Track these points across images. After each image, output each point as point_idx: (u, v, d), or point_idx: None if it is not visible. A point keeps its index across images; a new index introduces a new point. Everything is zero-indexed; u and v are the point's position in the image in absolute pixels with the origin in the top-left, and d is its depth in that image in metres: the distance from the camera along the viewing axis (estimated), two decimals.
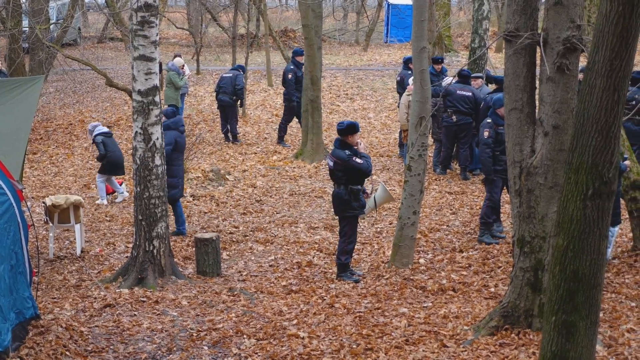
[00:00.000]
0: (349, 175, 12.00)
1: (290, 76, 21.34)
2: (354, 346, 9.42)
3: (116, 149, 16.99)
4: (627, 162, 12.44)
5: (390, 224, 14.92)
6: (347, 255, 12.22)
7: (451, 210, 15.83)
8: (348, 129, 12.04)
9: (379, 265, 12.74)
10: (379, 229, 14.80)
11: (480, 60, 21.77)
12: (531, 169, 9.42)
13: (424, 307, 10.82)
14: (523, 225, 9.56)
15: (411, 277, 12.06)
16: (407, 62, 20.79)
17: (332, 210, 15.93)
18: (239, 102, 22.83)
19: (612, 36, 6.69)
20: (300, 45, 34.43)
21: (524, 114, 9.53)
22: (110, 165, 16.82)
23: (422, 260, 12.93)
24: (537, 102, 9.53)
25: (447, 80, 18.87)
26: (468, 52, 27.73)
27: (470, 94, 17.67)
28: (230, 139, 22.25)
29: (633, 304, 10.86)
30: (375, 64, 36.00)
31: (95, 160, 17.26)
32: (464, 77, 17.98)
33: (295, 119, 21.99)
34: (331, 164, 12.11)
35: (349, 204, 12.06)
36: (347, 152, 11.94)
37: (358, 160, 11.91)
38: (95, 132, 16.96)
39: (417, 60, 12.57)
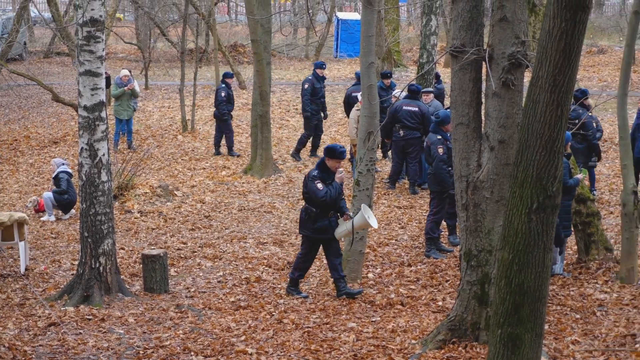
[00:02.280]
0: (308, 195, 11.93)
1: (306, 86, 21.34)
2: None
3: (74, 192, 16.97)
4: (579, 176, 12.60)
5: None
6: (300, 272, 12.16)
7: (400, 224, 15.89)
8: (328, 151, 11.95)
9: (328, 280, 12.73)
10: None
11: (428, 75, 21.92)
12: (478, 183, 9.49)
13: (372, 321, 10.84)
14: (470, 239, 9.62)
15: (360, 292, 12.06)
16: (384, 76, 21.00)
17: (282, 225, 15.98)
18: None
19: (555, 52, 6.78)
20: (249, 60, 34.41)
21: (470, 128, 9.61)
22: (65, 204, 16.94)
23: (370, 275, 12.96)
24: (483, 117, 9.62)
25: (396, 92, 18.95)
26: (417, 67, 27.92)
27: (416, 109, 17.79)
28: (221, 152, 22.29)
29: (578, 316, 10.98)
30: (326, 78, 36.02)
31: (52, 189, 17.16)
32: (412, 92, 18.10)
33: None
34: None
35: (303, 223, 12.03)
36: (316, 172, 11.87)
37: (319, 185, 11.74)
38: (61, 169, 17.14)
39: (365, 75, 12.62)
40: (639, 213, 12.46)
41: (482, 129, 9.58)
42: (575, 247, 13.16)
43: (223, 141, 22.36)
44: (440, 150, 13.95)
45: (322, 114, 21.51)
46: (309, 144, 21.86)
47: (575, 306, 11.36)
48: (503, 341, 7.14)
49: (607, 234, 13.87)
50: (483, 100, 9.62)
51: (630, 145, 13.01)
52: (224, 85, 22.34)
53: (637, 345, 9.74)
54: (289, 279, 12.33)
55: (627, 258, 12.37)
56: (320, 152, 21.66)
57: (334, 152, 11.89)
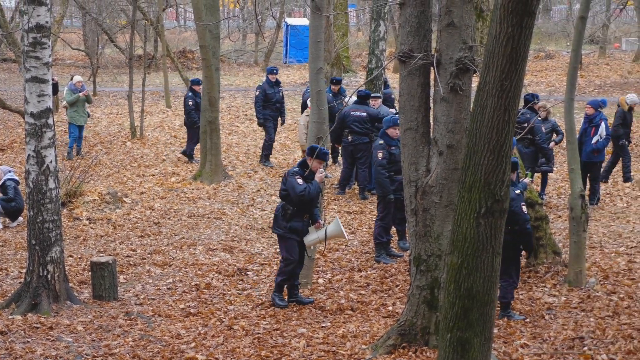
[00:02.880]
0: (288, 194, 11.79)
1: (257, 93, 21.20)
2: None
3: (21, 199, 16.76)
4: (526, 180, 12.70)
5: None
6: (284, 276, 11.89)
7: (350, 229, 15.91)
8: (311, 149, 11.81)
9: None
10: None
11: (377, 81, 21.96)
12: (426, 188, 9.53)
13: (322, 327, 10.84)
14: (419, 243, 9.66)
15: (309, 297, 12.05)
16: (334, 82, 21.00)
17: (231, 231, 15.91)
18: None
19: (502, 57, 6.83)
20: (198, 66, 34.27)
21: (419, 133, 9.65)
22: (12, 212, 16.74)
23: (320, 280, 12.96)
24: (431, 122, 9.66)
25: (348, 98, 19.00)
26: (366, 73, 28.01)
27: (364, 114, 17.83)
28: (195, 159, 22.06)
29: (527, 320, 11.07)
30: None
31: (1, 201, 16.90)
32: (361, 98, 18.16)
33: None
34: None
35: (277, 220, 11.95)
36: (297, 169, 11.84)
37: (299, 180, 11.65)
38: (8, 177, 16.95)
39: (314, 81, 12.61)
40: (587, 217, 12.61)
41: (431, 134, 9.63)
42: (524, 251, 13.25)
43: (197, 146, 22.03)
44: (380, 155, 14.03)
45: (279, 120, 21.48)
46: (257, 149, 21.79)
47: (524, 310, 11.45)
48: (452, 345, 7.18)
49: (556, 237, 14.02)
50: (432, 105, 9.66)
51: (578, 149, 13.17)
52: (190, 94, 21.99)
53: (585, 349, 9.86)
54: (276, 284, 12.04)
55: (575, 261, 12.51)
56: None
57: (318, 152, 11.74)
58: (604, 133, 17.42)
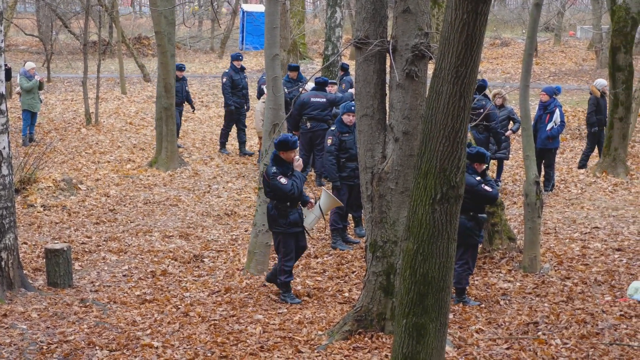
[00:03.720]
0: (273, 192, 11.44)
1: (225, 80, 21.01)
2: (209, 354, 9.35)
3: None
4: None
5: (245, 231, 14.89)
6: (287, 274, 11.48)
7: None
8: (279, 144, 11.38)
9: (235, 273, 12.68)
10: (234, 236, 14.74)
11: (333, 67, 21.98)
12: (382, 175, 9.54)
13: (279, 313, 10.83)
14: (375, 230, 9.68)
15: (266, 284, 12.04)
16: (291, 69, 20.91)
17: (187, 218, 15.85)
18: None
19: (458, 43, 6.83)
20: (153, 53, 34.05)
21: (374, 120, 9.65)
22: None
23: None
24: (387, 109, 9.67)
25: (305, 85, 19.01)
26: (322, 59, 27.99)
27: (324, 100, 17.83)
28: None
29: (482, 305, 11.15)
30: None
31: None
32: (319, 84, 18.15)
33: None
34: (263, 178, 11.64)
35: (275, 220, 11.47)
36: (275, 169, 11.32)
37: (283, 180, 11.26)
38: None
39: (269, 67, 12.57)
40: (541, 203, 12.72)
41: (387, 121, 9.64)
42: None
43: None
44: (329, 141, 14.04)
45: (245, 107, 21.38)
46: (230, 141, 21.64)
47: (479, 295, 11.54)
48: (408, 331, 7.20)
49: (511, 223, 14.13)
50: (387, 91, 9.67)
51: (533, 136, 13.26)
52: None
53: (540, 333, 9.95)
54: (278, 286, 11.61)
55: (529, 247, 12.62)
56: (249, 148, 21.57)
57: (287, 144, 11.39)
58: (559, 120, 17.55)
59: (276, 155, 11.43)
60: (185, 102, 22.05)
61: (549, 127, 17.47)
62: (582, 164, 19.84)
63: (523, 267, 12.60)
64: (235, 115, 21.03)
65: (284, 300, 11.41)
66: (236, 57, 21.31)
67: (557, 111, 17.58)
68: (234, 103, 20.90)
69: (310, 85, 18.91)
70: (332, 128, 14.23)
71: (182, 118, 23.00)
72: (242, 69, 21.21)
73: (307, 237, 11.89)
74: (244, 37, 45.00)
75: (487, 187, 11.33)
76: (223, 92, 21.23)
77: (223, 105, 21.72)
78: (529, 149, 12.82)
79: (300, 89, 18.75)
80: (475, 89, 16.33)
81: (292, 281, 11.65)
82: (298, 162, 11.59)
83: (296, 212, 11.51)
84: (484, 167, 11.51)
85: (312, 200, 11.90)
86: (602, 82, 20.32)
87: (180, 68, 21.74)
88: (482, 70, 32.89)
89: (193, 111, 23.12)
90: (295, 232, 11.51)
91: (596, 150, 20.37)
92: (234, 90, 20.91)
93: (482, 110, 16.98)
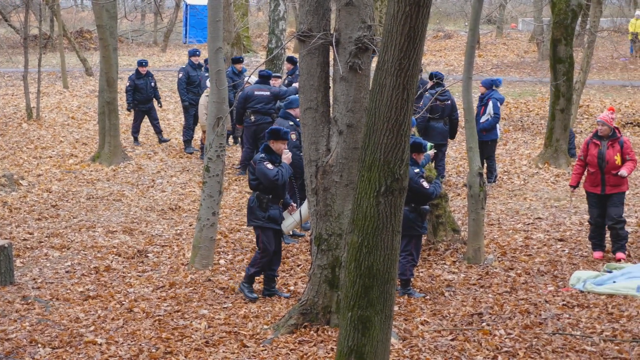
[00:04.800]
0: (258, 181, 11.24)
1: (181, 75, 20.73)
2: (153, 350, 9.27)
3: None
4: (430, 152, 12.77)
5: (190, 225, 14.78)
6: (257, 267, 11.28)
7: None
8: (270, 133, 11.32)
9: (179, 268, 12.59)
10: (178, 231, 14.63)
11: (277, 60, 21.94)
12: (327, 168, 9.53)
13: (224, 307, 10.78)
14: (320, 223, 9.67)
15: (211, 279, 11.98)
16: (235, 61, 20.78)
17: (131, 213, 15.70)
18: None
19: (400, 36, 6.82)
20: (96, 47, 33.69)
21: (318, 113, 9.63)
22: None
23: (222, 261, 12.88)
24: (331, 101, 9.66)
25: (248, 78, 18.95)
26: (266, 52, 27.90)
27: (268, 93, 17.78)
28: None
29: (427, 297, 11.20)
30: (175, 64, 35.69)
31: None
32: (263, 77, 18.10)
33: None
34: (251, 168, 11.48)
35: (253, 212, 11.28)
36: (263, 154, 11.22)
37: (269, 166, 11.09)
38: None
39: (213, 60, 12.50)
40: (485, 195, 12.81)
41: (331, 113, 9.63)
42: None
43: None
44: (294, 137, 13.92)
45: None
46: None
47: (424, 287, 11.58)
48: (353, 323, 7.19)
49: (455, 215, 14.21)
50: (331, 84, 9.66)
51: (476, 128, 13.35)
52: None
53: (484, 324, 10.01)
54: (245, 275, 11.45)
55: (473, 239, 12.70)
56: (174, 139, 21.43)
57: (279, 134, 11.30)
58: (492, 112, 17.67)
59: (267, 145, 11.32)
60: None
61: (483, 119, 17.59)
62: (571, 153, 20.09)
63: (467, 259, 12.68)
64: (190, 112, 20.72)
65: (242, 290, 11.27)
66: (193, 53, 21.04)
67: (491, 103, 17.68)
68: (189, 99, 20.63)
69: (254, 78, 18.86)
70: (291, 123, 14.15)
71: (127, 113, 22.75)
72: (200, 65, 20.91)
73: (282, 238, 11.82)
74: (188, 31, 44.72)
75: (424, 183, 11.37)
76: (178, 88, 20.96)
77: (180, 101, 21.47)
78: (472, 141, 12.90)
79: (246, 84, 18.68)
80: (435, 83, 16.29)
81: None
82: (287, 155, 11.41)
83: (277, 209, 11.36)
84: (423, 157, 11.57)
85: (294, 205, 11.83)
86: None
87: (142, 64, 21.49)
88: (426, 62, 33.07)
89: (160, 106, 22.70)
90: (272, 228, 11.33)
91: (539, 141, 20.56)
92: (190, 87, 20.64)
93: (449, 102, 17.19)
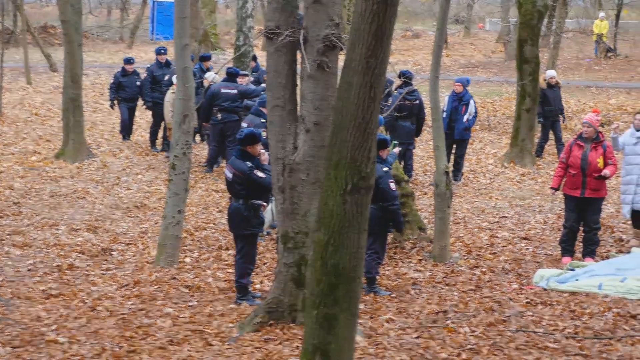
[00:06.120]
0: (248, 190, 11.02)
1: (145, 75, 20.48)
2: (117, 349, 9.16)
3: None
4: (395, 150, 12.78)
5: (155, 223, 14.68)
6: (249, 276, 11.10)
7: (218, 208, 15.78)
8: (247, 139, 11.00)
9: (144, 266, 12.50)
10: (144, 229, 14.53)
11: (244, 58, 21.88)
12: (294, 166, 9.50)
13: (189, 306, 10.70)
14: (287, 221, 9.64)
15: (176, 277, 11.91)
16: (203, 59, 20.64)
17: (96, 211, 15.56)
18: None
19: (368, 34, 6.80)
20: (60, 42, 33.38)
21: (285, 111, 9.60)
22: None
23: (188, 259, 12.81)
24: (298, 99, 9.63)
25: (210, 75, 18.87)
26: (234, 50, 27.83)
27: (235, 91, 17.71)
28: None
29: (393, 295, 11.20)
30: (141, 61, 35.43)
31: None
32: (230, 75, 18.05)
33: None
34: (229, 175, 11.06)
35: (248, 220, 10.98)
36: (249, 164, 10.92)
37: (260, 174, 10.88)
38: None
39: (179, 57, 12.43)
40: (451, 193, 12.84)
41: (298, 112, 9.60)
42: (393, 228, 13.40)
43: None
44: (264, 134, 13.82)
45: None
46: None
47: (390, 285, 11.59)
48: (319, 322, 7.15)
49: (422, 214, 14.24)
50: (299, 82, 9.63)
51: (443, 127, 13.38)
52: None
53: (449, 322, 10.03)
54: (237, 289, 11.09)
55: (439, 237, 12.73)
56: (139, 137, 21.28)
57: (255, 137, 11.06)
58: (473, 111, 17.77)
59: (242, 150, 11.03)
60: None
61: (465, 118, 17.65)
62: (538, 153, 20.15)
63: (433, 257, 12.70)
64: (156, 111, 20.39)
65: (245, 302, 10.85)
66: (158, 52, 20.83)
67: (472, 102, 17.80)
68: (153, 99, 20.38)
69: (212, 74, 18.80)
70: (263, 120, 14.10)
71: (91, 109, 22.57)
72: (168, 63, 20.56)
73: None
74: (155, 27, 44.51)
75: (392, 184, 11.36)
76: (143, 88, 20.73)
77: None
78: (438, 140, 12.93)
79: (203, 80, 18.62)
80: (404, 82, 16.27)
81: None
82: (265, 156, 11.11)
83: (262, 212, 11.24)
84: (387, 153, 11.58)
85: (264, 203, 11.70)
86: (550, 72, 20.59)
87: (129, 61, 21.19)
88: (394, 61, 33.12)
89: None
90: (259, 232, 11.20)
91: (505, 140, 20.65)
92: (155, 86, 20.37)
93: (417, 102, 17.24)
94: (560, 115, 20.23)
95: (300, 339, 9.06)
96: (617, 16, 41.18)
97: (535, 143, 20.34)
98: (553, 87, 20.09)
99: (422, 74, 31.19)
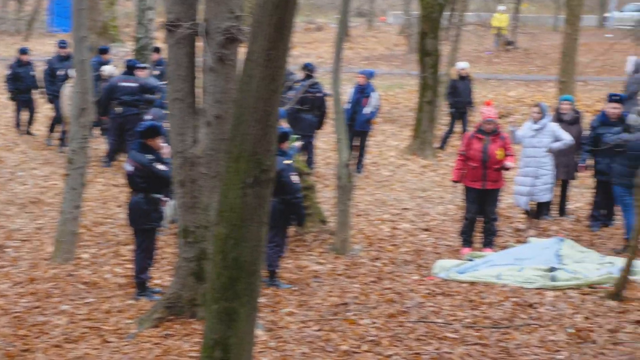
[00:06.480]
0: (149, 183, 10.78)
1: (45, 68, 19.88)
2: (10, 348, 8.95)
3: None
4: (296, 144, 12.75)
5: (52, 219, 14.36)
6: (146, 271, 10.88)
7: (117, 203, 15.52)
8: (147, 132, 10.75)
9: (40, 263, 12.21)
10: (40, 225, 14.20)
11: (144, 51, 21.58)
12: (194, 159, 9.43)
13: (86, 303, 10.50)
14: (187, 215, 9.56)
15: (73, 273, 11.67)
16: (102, 51, 20.22)
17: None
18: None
19: (269, 26, 6.75)
20: None
21: (185, 104, 9.52)
22: None
23: (85, 255, 12.55)
24: (199, 92, 9.54)
25: (107, 68, 18.58)
26: (134, 43, 27.43)
27: (135, 84, 17.46)
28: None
29: (294, 288, 11.19)
30: (39, 53, 34.69)
31: None
32: (129, 68, 17.79)
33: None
34: (130, 168, 10.76)
35: (147, 214, 10.77)
36: (149, 156, 10.69)
37: (160, 167, 10.65)
38: None
39: (77, 50, 12.19)
40: (352, 185, 12.89)
41: (198, 104, 9.51)
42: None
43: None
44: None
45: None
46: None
47: (291, 278, 11.57)
48: (219, 316, 7.09)
49: (324, 206, 14.25)
50: (200, 75, 9.54)
51: (345, 119, 13.41)
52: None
53: (350, 314, 10.06)
54: (136, 285, 10.87)
55: (341, 229, 12.77)
56: (36, 131, 20.80)
57: (156, 130, 10.83)
58: (375, 103, 17.88)
59: (142, 143, 10.81)
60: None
61: (367, 110, 17.73)
62: (442, 145, 20.33)
63: (334, 249, 12.73)
64: (56, 104, 19.92)
65: (140, 298, 10.68)
66: (60, 45, 20.39)
67: (374, 94, 17.89)
68: (52, 92, 19.90)
69: (109, 67, 18.51)
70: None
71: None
72: (69, 57, 20.14)
73: None
74: (53, 19, 43.67)
75: (293, 177, 11.33)
76: (44, 81, 20.24)
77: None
78: (341, 132, 12.96)
79: (101, 73, 18.31)
80: (306, 75, 16.23)
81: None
82: (167, 150, 10.74)
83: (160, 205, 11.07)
84: (288, 145, 11.58)
85: (164, 198, 11.47)
86: (461, 64, 20.79)
87: (24, 51, 20.66)
88: (297, 54, 33.12)
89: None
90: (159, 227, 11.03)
91: (407, 132, 20.83)
92: (54, 79, 19.91)
93: (319, 94, 17.25)
94: (468, 107, 20.50)
95: (200, 334, 8.97)
96: (517, 9, 41.94)
97: (436, 135, 20.57)
98: (464, 78, 20.35)
99: (325, 67, 31.27)
